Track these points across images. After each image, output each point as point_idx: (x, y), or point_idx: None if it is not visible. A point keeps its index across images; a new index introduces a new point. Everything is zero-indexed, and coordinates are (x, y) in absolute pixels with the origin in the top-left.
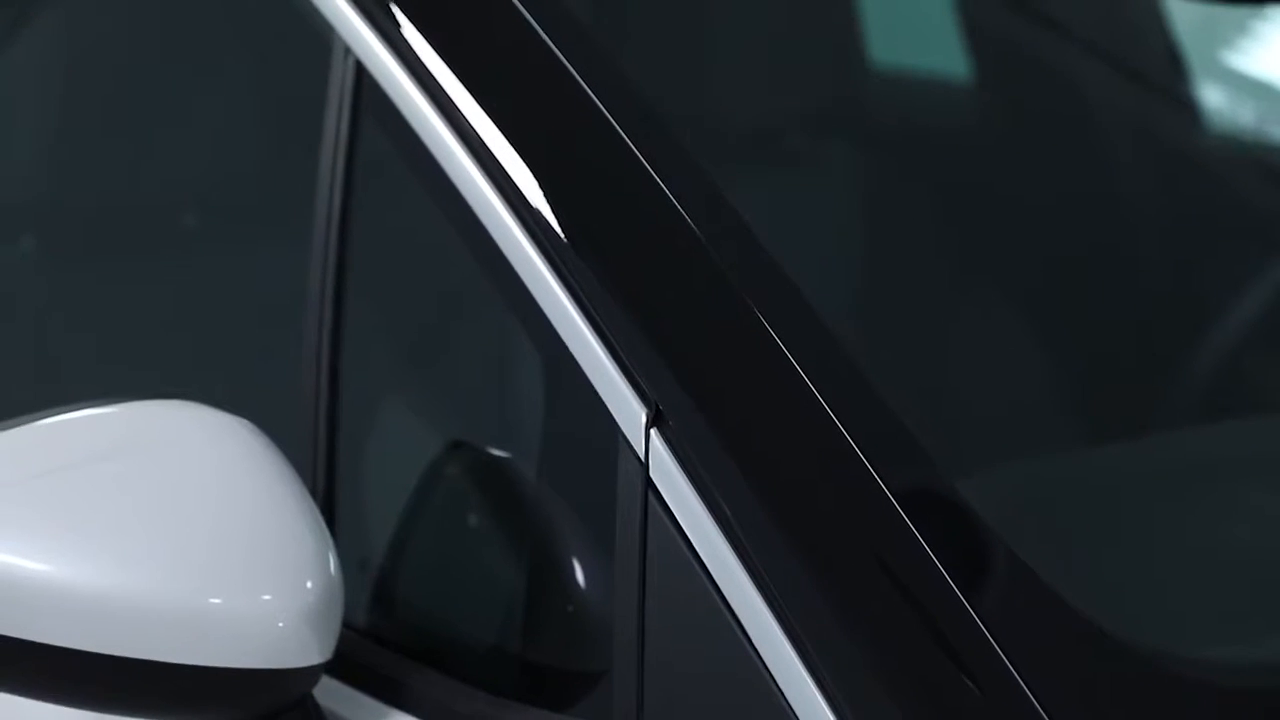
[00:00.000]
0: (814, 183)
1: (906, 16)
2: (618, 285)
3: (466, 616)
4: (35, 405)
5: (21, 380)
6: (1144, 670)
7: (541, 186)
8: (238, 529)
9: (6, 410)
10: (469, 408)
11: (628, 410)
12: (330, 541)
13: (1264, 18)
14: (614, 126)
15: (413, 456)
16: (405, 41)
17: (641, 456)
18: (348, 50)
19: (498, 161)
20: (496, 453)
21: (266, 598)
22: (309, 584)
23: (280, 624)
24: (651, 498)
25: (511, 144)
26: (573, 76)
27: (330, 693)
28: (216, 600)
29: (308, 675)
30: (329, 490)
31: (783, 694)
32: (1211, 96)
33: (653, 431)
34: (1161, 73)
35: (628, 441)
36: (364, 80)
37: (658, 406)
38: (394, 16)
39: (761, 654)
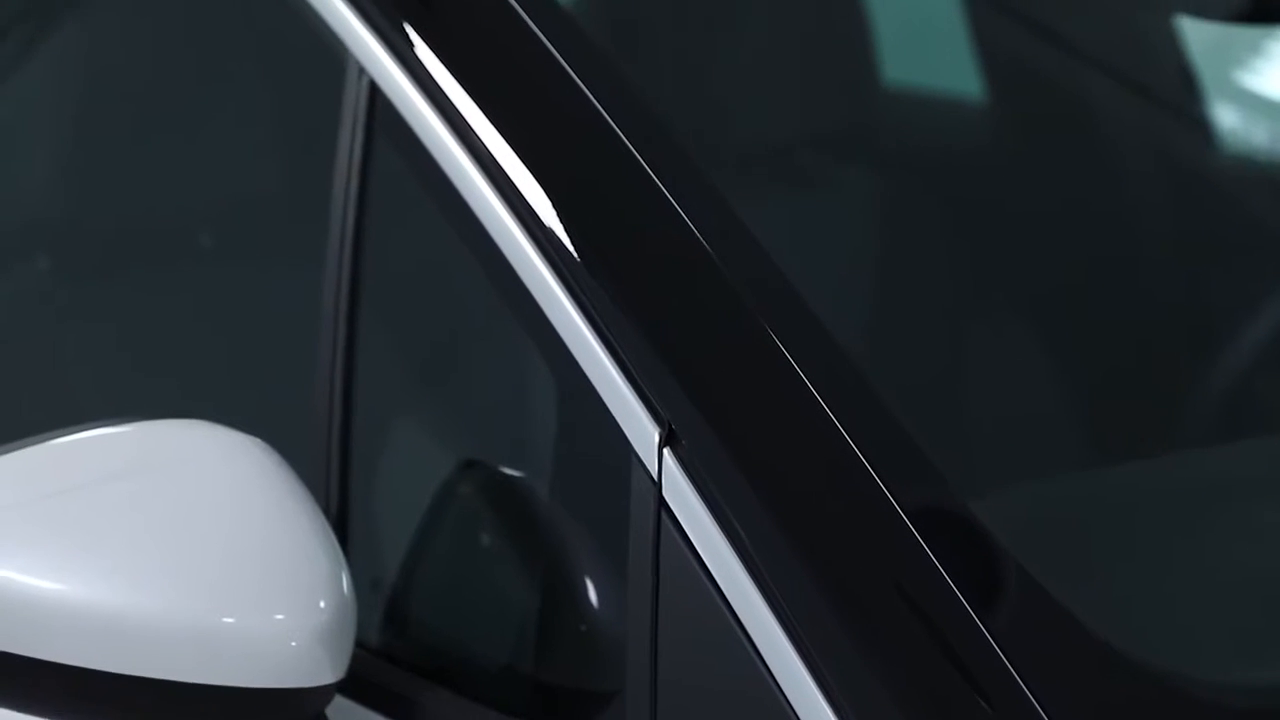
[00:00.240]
0: (826, 201)
1: (919, 35)
2: (631, 304)
3: (479, 636)
4: (49, 424)
5: (36, 399)
6: (1156, 689)
7: (555, 205)
8: (251, 548)
9: (21, 429)
10: (482, 427)
11: (640, 430)
12: (343, 561)
13: (1277, 38)
14: (627, 146)
15: (425, 476)
16: (419, 61)
17: (654, 476)
18: (361, 69)
19: (511, 180)
20: (509, 472)
21: (279, 617)
22: (322, 603)
23: (293, 643)
24: (664, 517)
25: (524, 163)
26: (586, 96)
27: (343, 712)
28: (229, 619)
29: (321, 695)
30: (342, 509)
31: (795, 712)
32: (1224, 116)
33: (665, 451)
34: (1174, 92)
35: (640, 461)
36: (377, 99)
37: (670, 426)
38: (407, 36)
39: (774, 672)
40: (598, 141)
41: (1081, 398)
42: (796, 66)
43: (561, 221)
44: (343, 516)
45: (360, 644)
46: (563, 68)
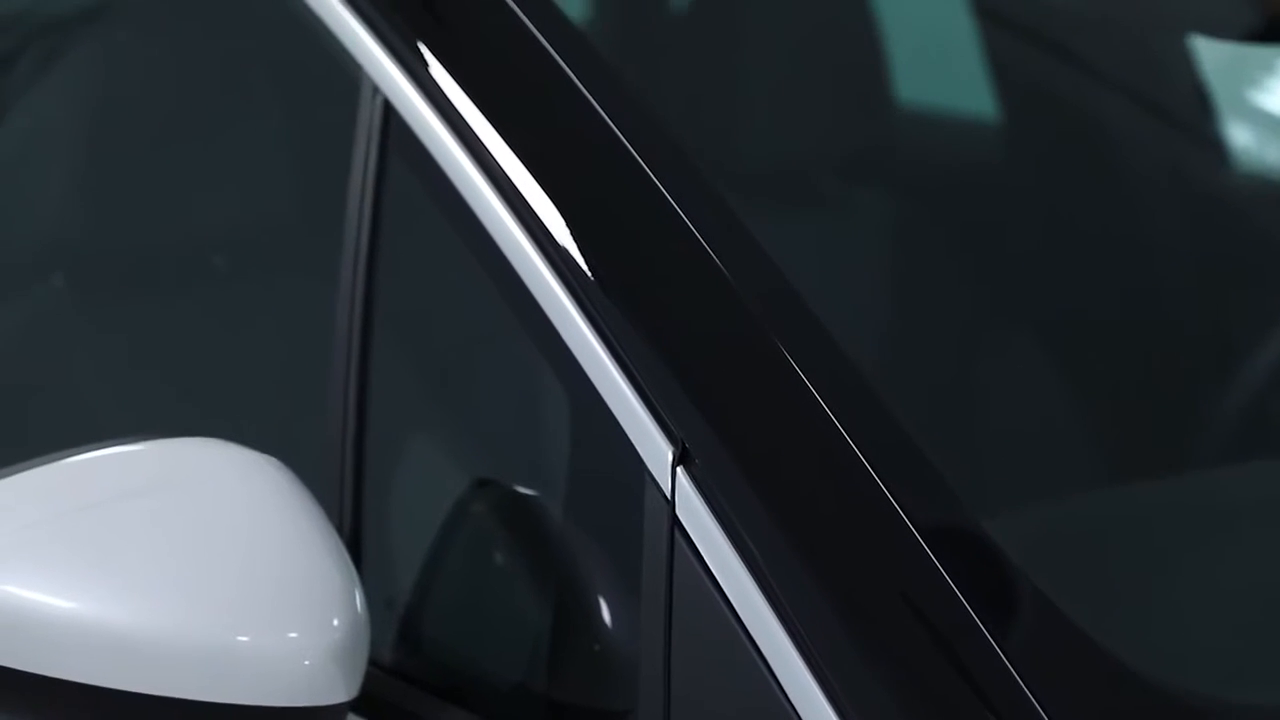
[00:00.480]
0: (840, 221)
1: (933, 55)
2: (644, 323)
3: (493, 654)
4: (65, 443)
5: (51, 417)
6: (1166, 706)
7: (568, 225)
8: (265, 567)
9: (36, 448)
10: (495, 445)
11: (654, 448)
12: (357, 579)
13: None
14: (642, 166)
15: (439, 494)
16: (433, 80)
17: (667, 495)
18: (376, 89)
19: (525, 200)
20: (522, 490)
21: (293, 635)
22: (335, 622)
23: (307, 662)
24: (678, 536)
25: (538, 182)
26: (600, 115)
27: None
28: (243, 638)
29: (334, 713)
30: (356, 528)
31: None
32: (1239, 136)
33: (679, 470)
34: (1189, 112)
35: (654, 480)
36: (392, 119)
37: (684, 445)
38: (422, 56)
39: (788, 692)
40: (611, 160)
41: (1094, 417)
42: (810, 86)
43: (575, 240)
44: (356, 534)
45: (374, 662)
46: (576, 87)
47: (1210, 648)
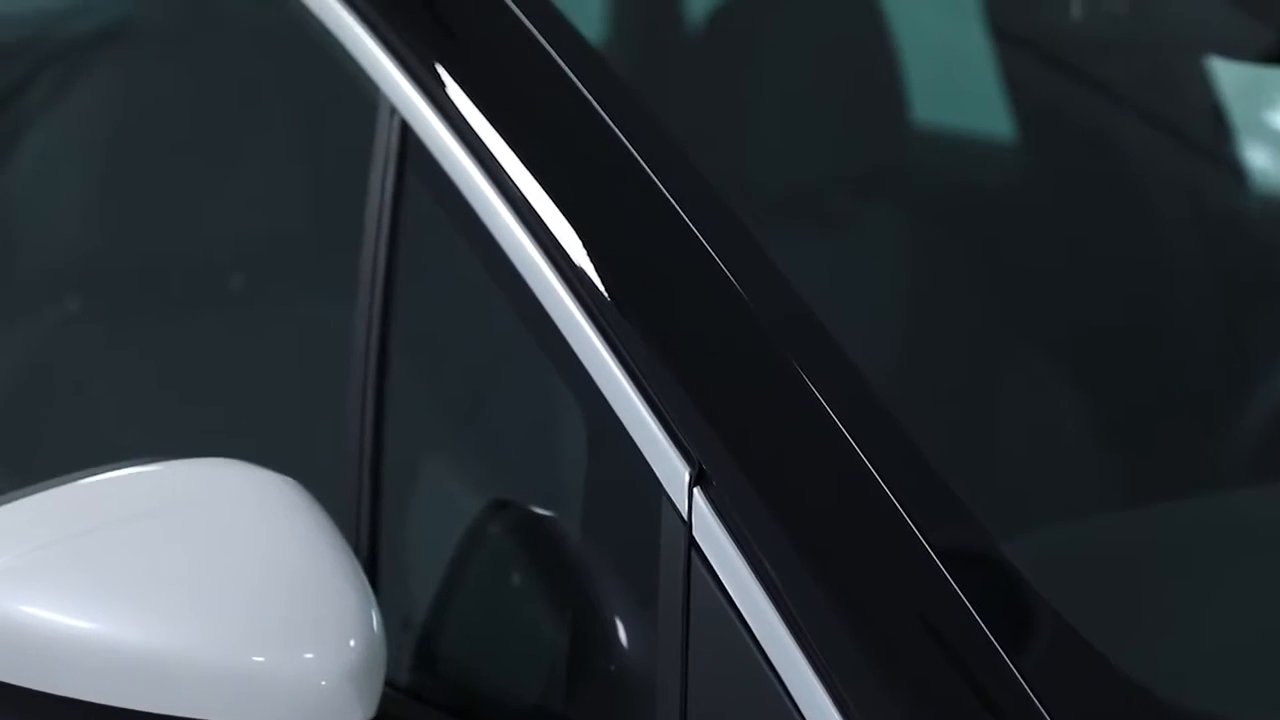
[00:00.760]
0: (857, 242)
1: (949, 76)
2: (661, 344)
3: (509, 675)
4: (81, 463)
5: (67, 438)
6: None
7: (585, 246)
8: (281, 587)
9: (53, 468)
10: (512, 466)
11: (671, 469)
12: (373, 599)
13: None
14: (658, 187)
15: (455, 514)
16: (450, 101)
17: (684, 516)
18: (393, 110)
19: (542, 221)
20: (539, 511)
21: (309, 656)
22: (352, 642)
23: (323, 682)
24: (694, 557)
25: (556, 203)
26: (618, 137)
27: None
28: (259, 658)
29: None
30: (372, 548)
31: None
32: (1256, 157)
33: (696, 491)
34: (1205, 133)
35: (671, 501)
36: (409, 139)
37: (701, 466)
38: (439, 76)
39: (804, 713)
40: (628, 181)
41: (1110, 437)
42: (827, 107)
43: (592, 261)
44: (373, 555)
45: (390, 683)
46: (593, 107)
47: (1228, 669)
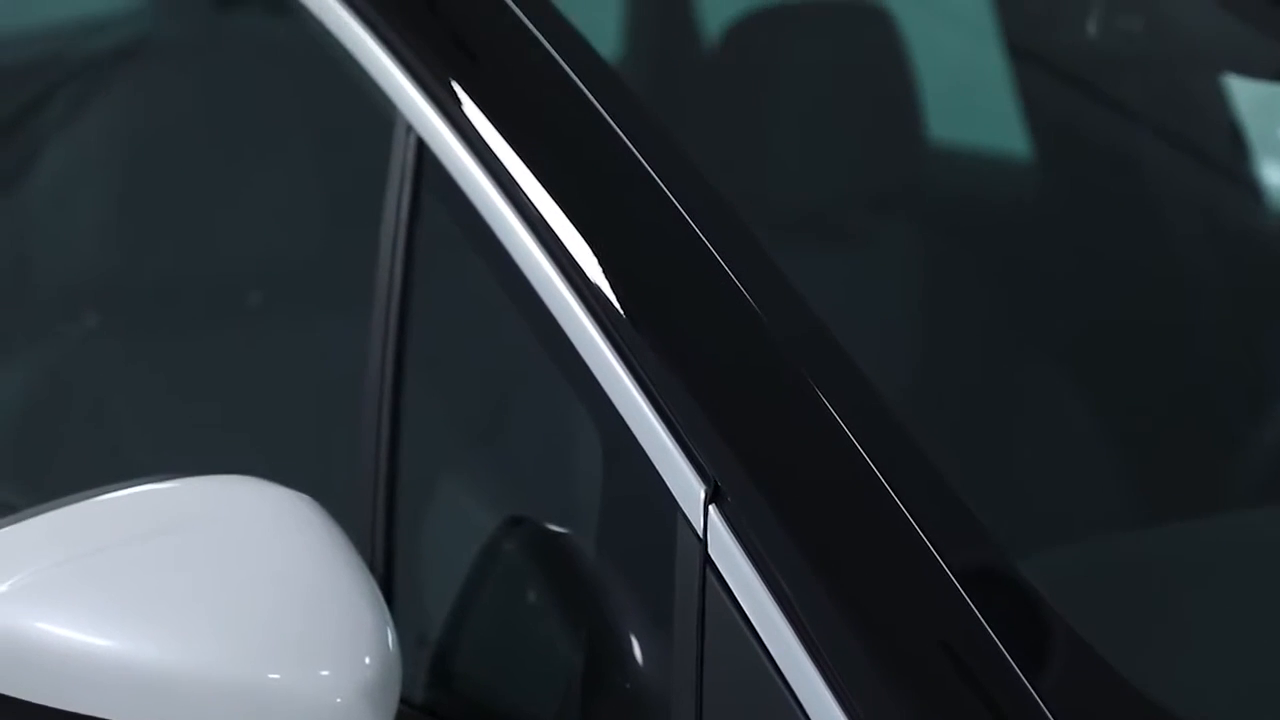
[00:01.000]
0: (872, 259)
1: (965, 93)
2: (676, 361)
3: (524, 692)
4: (98, 480)
5: (84, 454)
6: None
7: (601, 263)
8: (297, 604)
9: (70, 485)
10: (527, 483)
11: (686, 487)
12: (389, 617)
13: None
14: (674, 204)
15: (471, 532)
16: (466, 119)
17: (700, 533)
18: (409, 127)
19: (557, 237)
20: (554, 528)
21: (325, 673)
22: (367, 660)
23: (338, 700)
24: (710, 574)
25: (570, 220)
26: (633, 154)
27: None
28: (275, 675)
29: None
30: (388, 565)
31: None
32: (1272, 175)
33: (711, 508)
34: (1222, 151)
35: (686, 518)
36: (425, 157)
37: (716, 483)
38: (455, 94)
39: None
40: (643, 198)
41: (1127, 456)
42: (842, 124)
43: (607, 278)
44: (389, 572)
45: (405, 700)
46: (608, 124)
47: (1245, 687)
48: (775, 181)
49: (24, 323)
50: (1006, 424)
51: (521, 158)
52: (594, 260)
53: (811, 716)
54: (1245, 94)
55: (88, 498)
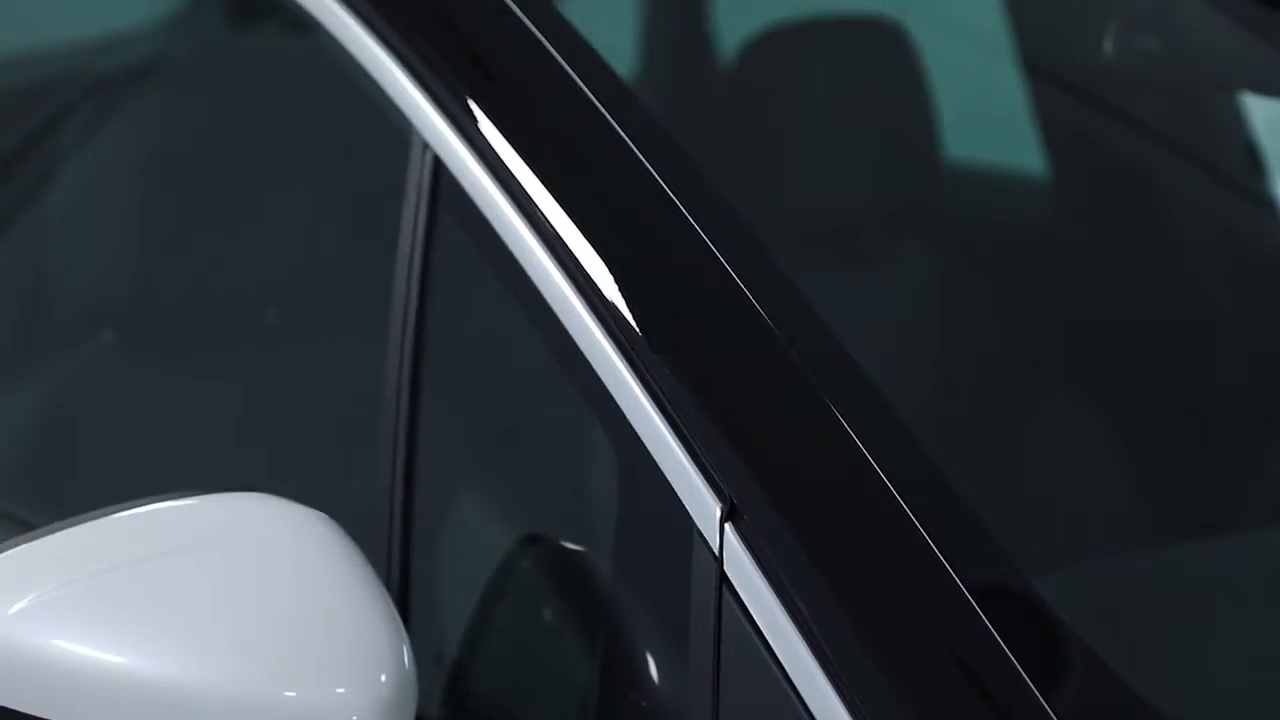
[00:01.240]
0: (889, 278)
1: (981, 111)
2: (692, 379)
3: (540, 710)
4: (115, 497)
5: (100, 472)
6: None
7: (617, 281)
8: (312, 622)
9: (87, 503)
10: (543, 501)
11: (702, 504)
12: (405, 634)
13: None
14: (690, 223)
15: (487, 549)
16: (483, 137)
17: (716, 551)
18: (426, 146)
19: (574, 256)
20: (570, 547)
21: (341, 691)
22: (383, 677)
23: (354, 717)
24: (725, 592)
25: (588, 239)
26: (649, 173)
27: None
28: (291, 693)
29: None
30: (404, 583)
31: None
32: None
33: (727, 526)
34: (1239, 170)
35: (702, 536)
36: (442, 175)
37: (732, 501)
38: (472, 112)
39: None
40: (660, 216)
41: (1145, 475)
42: (859, 143)
43: (624, 296)
44: (404, 590)
45: (421, 718)
46: (625, 142)
47: (1261, 707)
48: (791, 199)
49: (40, 340)
50: (1022, 442)
51: (538, 175)
52: (610, 278)
53: None
54: (1262, 112)
55: (105, 515)
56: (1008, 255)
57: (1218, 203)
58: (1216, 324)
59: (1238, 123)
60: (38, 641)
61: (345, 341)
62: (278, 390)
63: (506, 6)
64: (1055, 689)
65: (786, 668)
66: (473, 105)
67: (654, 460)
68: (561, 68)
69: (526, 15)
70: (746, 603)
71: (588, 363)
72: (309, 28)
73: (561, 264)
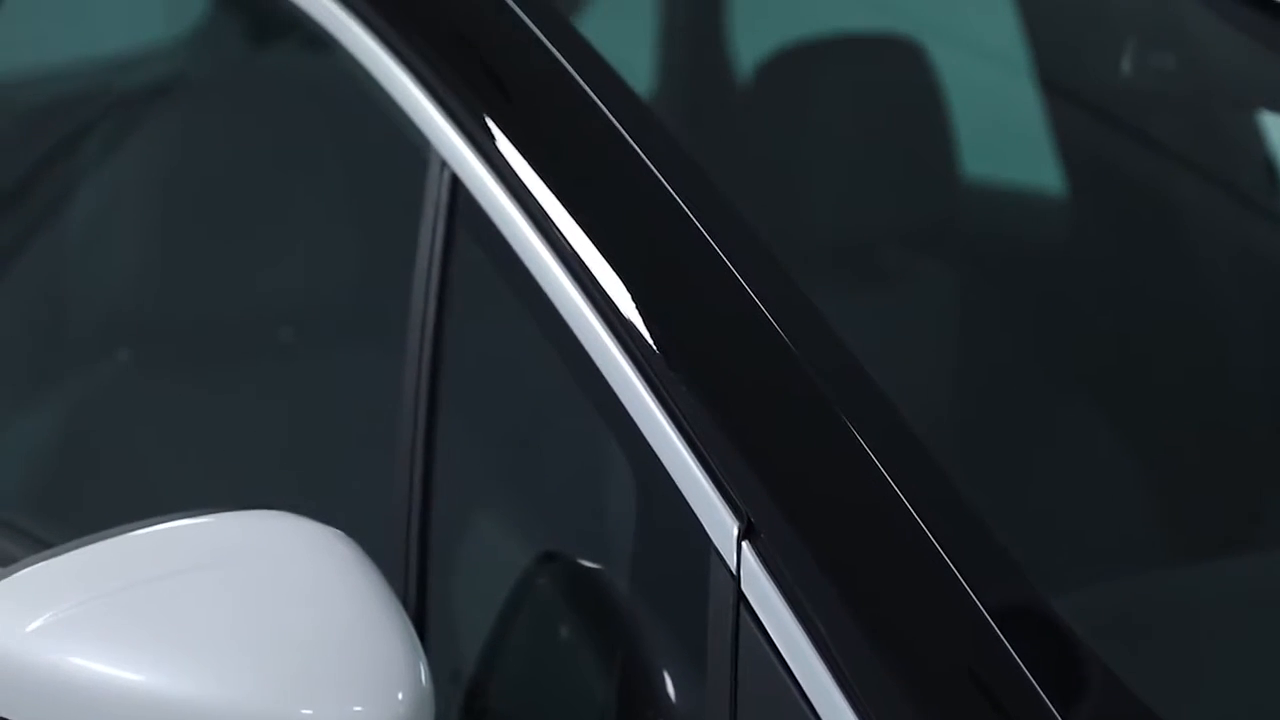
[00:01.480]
0: (906, 297)
1: (999, 130)
2: (710, 398)
3: None
4: (132, 515)
5: (117, 490)
6: None
7: (635, 299)
8: (329, 640)
9: (103, 520)
10: (560, 519)
11: (719, 522)
12: (421, 652)
13: None
14: (708, 241)
15: (504, 567)
16: (500, 155)
17: (733, 569)
18: (444, 164)
19: (592, 274)
20: (587, 565)
21: (358, 709)
22: (400, 695)
23: None
24: (743, 610)
25: (605, 257)
26: (667, 190)
27: None
28: (308, 711)
29: None
30: (421, 601)
31: None
32: None
33: (744, 544)
34: (1258, 187)
35: (719, 554)
36: (459, 193)
37: (749, 519)
38: (489, 130)
39: None
40: (677, 234)
41: (1164, 495)
42: (876, 161)
43: (641, 314)
44: (421, 608)
45: None
46: (642, 161)
47: None
48: (808, 217)
49: (57, 358)
50: (1040, 460)
51: (555, 193)
52: (628, 295)
53: None
54: None
55: (122, 532)
56: (1025, 273)
57: (1236, 220)
58: (1235, 342)
59: (1255, 141)
60: (55, 659)
61: (363, 358)
62: (295, 408)
63: (523, 24)
64: (1072, 707)
65: (803, 686)
66: (490, 123)
67: (671, 478)
68: (579, 85)
69: (543, 33)
70: (764, 621)
71: (605, 380)
72: (327, 46)
73: (579, 281)
